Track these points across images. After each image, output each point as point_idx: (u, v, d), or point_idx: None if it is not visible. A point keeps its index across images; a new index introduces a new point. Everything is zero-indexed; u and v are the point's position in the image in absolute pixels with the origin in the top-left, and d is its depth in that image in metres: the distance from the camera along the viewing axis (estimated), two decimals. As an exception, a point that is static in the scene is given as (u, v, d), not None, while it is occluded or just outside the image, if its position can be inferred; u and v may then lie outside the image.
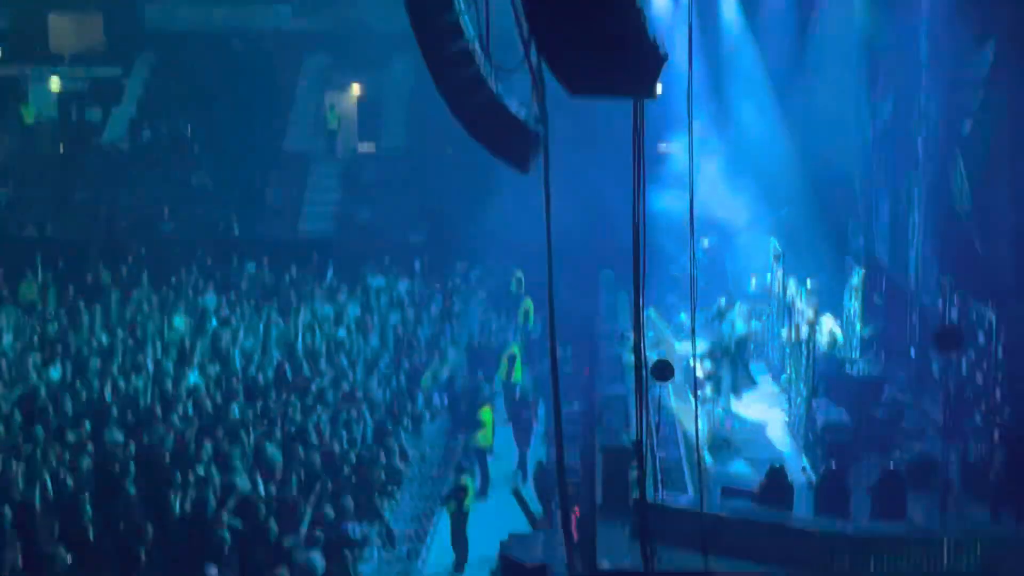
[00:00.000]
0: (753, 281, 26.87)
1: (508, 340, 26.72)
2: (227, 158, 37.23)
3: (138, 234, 34.49)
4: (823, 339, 21.25)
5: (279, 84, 39.53)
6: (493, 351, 26.14)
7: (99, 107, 39.21)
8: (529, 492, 20.52)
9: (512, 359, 25.34)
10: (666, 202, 21.02)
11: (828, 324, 21.58)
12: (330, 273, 31.03)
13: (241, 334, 25.13)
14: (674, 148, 25.13)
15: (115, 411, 19.99)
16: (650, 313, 24.68)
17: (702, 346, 21.64)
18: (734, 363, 21.79)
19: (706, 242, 27.80)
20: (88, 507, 15.79)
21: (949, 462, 17.28)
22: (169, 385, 21.52)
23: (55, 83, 40.16)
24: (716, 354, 21.74)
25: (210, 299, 28.60)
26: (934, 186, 22.47)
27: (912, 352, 23.22)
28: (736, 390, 21.84)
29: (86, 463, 17.57)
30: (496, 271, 31.81)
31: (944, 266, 21.90)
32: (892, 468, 17.43)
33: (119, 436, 18.76)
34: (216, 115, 38.56)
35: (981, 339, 19.55)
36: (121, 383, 21.46)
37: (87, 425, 19.21)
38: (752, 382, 22.12)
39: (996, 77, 19.05)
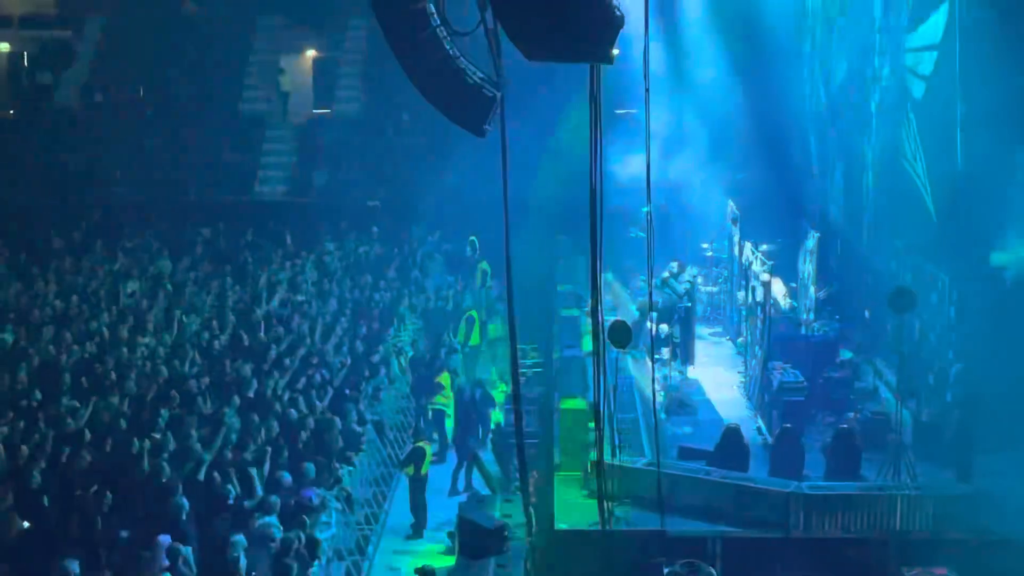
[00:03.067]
0: (709, 245, 26.97)
1: (466, 304, 26.71)
2: (181, 121, 36.84)
3: (91, 198, 34.12)
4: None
5: (233, 46, 39.10)
6: (451, 315, 26.13)
7: (50, 70, 38.65)
8: (488, 455, 20.60)
9: (471, 322, 25.36)
10: (622, 166, 21.09)
11: (776, 287, 21.75)
12: (288, 238, 30.87)
13: (196, 299, 24.99)
14: (631, 112, 25.12)
15: (69, 377, 19.84)
16: (607, 277, 24.74)
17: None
18: (684, 331, 21.97)
19: (662, 206, 27.82)
20: (36, 475, 15.69)
21: (902, 422, 17.50)
22: (124, 351, 21.37)
23: (5, 46, 39.53)
24: (664, 319, 21.85)
25: (165, 264, 28.37)
26: (887, 149, 22.61)
27: (866, 313, 23.44)
28: (680, 359, 22.02)
29: (41, 430, 17.44)
30: (453, 235, 31.77)
31: (897, 228, 22.08)
32: (846, 428, 17.63)
33: (74, 403, 18.63)
34: (169, 77, 38.12)
35: (934, 300, 19.76)
36: (75, 349, 21.30)
37: (38, 393, 19.06)
38: (691, 359, 22.29)
39: (949, 41, 19.16)
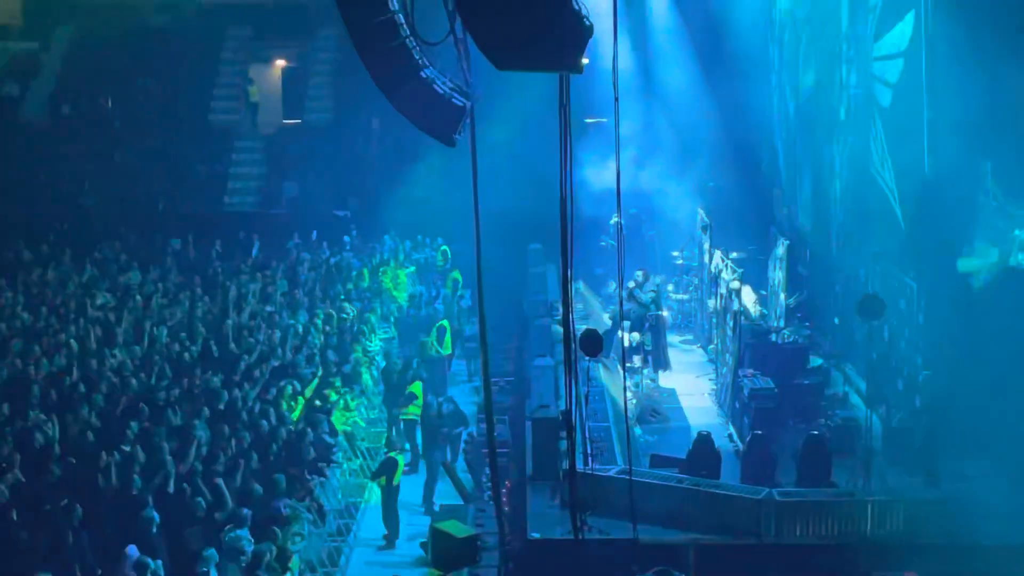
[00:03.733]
0: (679, 253, 27.07)
1: (437, 312, 26.67)
2: (150, 133, 36.64)
3: (59, 211, 33.91)
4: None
5: (202, 57, 38.91)
6: (422, 323, 26.08)
7: (17, 82, 38.37)
8: (460, 464, 20.55)
9: (442, 331, 25.30)
10: (593, 175, 21.13)
11: (746, 295, 21.85)
12: (256, 248, 30.75)
13: (166, 311, 24.85)
14: (601, 120, 25.19)
15: (38, 390, 19.69)
16: (578, 286, 24.78)
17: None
18: (656, 339, 22.09)
19: (632, 214, 27.92)
20: (5, 489, 15.55)
21: (872, 428, 17.58)
22: (93, 364, 21.22)
23: (-30, 59, 39.26)
24: (635, 328, 21.94)
25: (134, 276, 28.22)
26: (855, 156, 22.75)
27: (836, 320, 23.56)
28: (653, 366, 22.15)
29: (9, 444, 17.29)
30: (424, 245, 31.75)
31: (866, 235, 22.21)
32: (817, 434, 17.70)
33: (43, 416, 18.49)
34: (137, 89, 37.91)
35: (903, 306, 19.89)
36: (44, 362, 21.14)
37: (6, 406, 18.91)
38: (665, 366, 22.42)
39: (915, 49, 19.30)
